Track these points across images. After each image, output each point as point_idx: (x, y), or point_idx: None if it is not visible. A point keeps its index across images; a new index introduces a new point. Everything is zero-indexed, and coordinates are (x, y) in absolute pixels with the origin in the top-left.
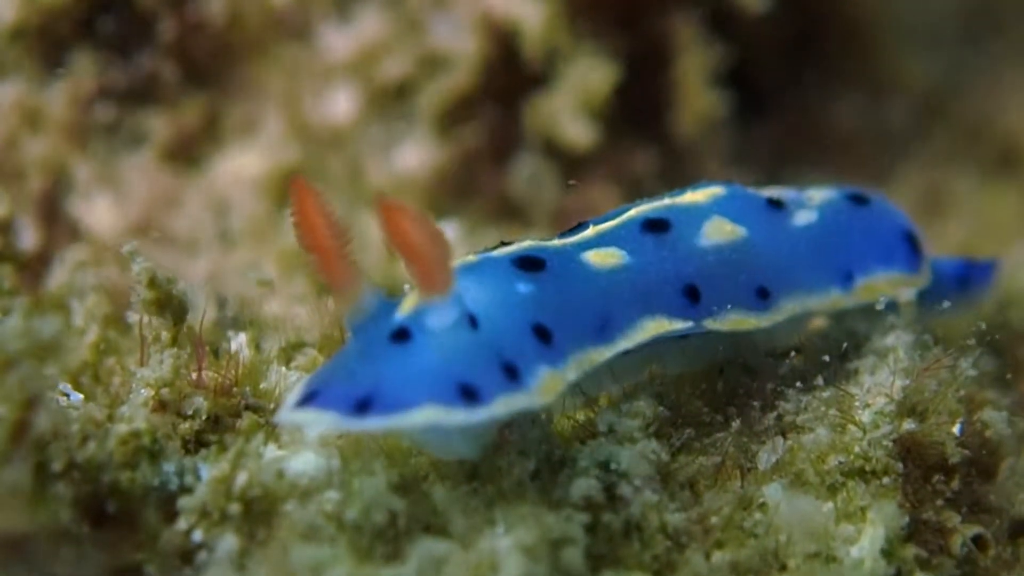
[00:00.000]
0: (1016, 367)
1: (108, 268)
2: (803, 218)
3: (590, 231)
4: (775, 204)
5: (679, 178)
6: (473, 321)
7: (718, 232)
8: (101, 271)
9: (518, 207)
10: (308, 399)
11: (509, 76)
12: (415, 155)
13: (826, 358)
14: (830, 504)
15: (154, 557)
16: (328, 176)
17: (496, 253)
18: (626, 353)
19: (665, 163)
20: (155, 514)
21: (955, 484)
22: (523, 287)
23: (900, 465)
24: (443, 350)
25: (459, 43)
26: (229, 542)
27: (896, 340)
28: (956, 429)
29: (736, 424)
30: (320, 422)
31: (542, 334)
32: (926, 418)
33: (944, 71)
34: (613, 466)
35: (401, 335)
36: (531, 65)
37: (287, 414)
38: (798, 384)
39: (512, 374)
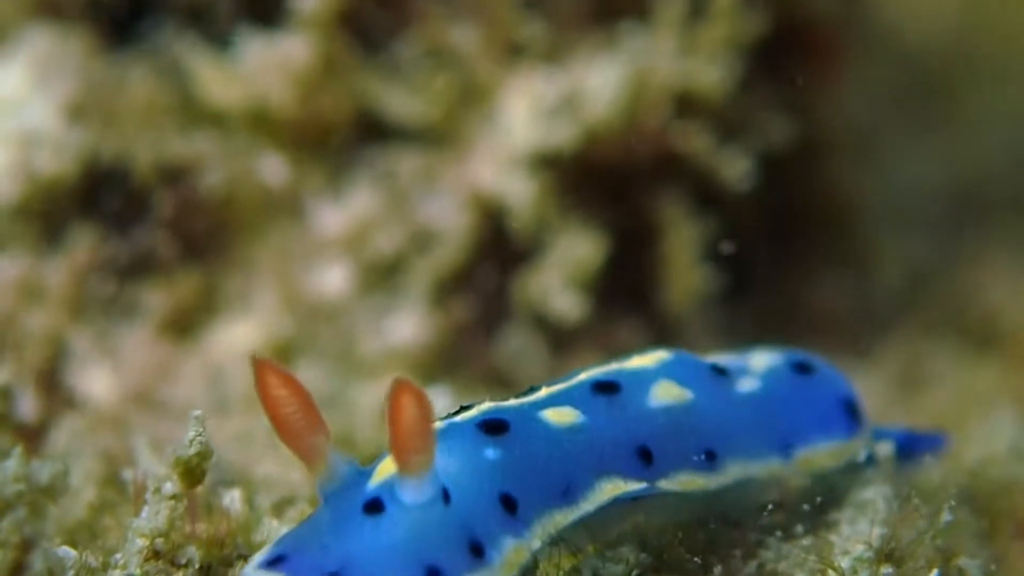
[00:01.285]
0: (993, 521)
1: (105, 435)
2: (746, 386)
3: (543, 392)
4: (718, 371)
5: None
6: (446, 495)
7: (666, 394)
8: (98, 437)
9: (507, 375)
10: (276, 562)
11: (499, 249)
12: (407, 327)
13: (805, 507)
14: None
15: None
16: (321, 348)
17: (460, 419)
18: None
19: (652, 335)
20: None
21: None
22: (491, 453)
23: None
24: (415, 527)
25: (449, 219)
26: None
27: (875, 493)
28: None
29: (718, 571)
30: None
31: (508, 504)
32: (904, 564)
33: (927, 252)
34: None
35: (373, 507)
36: (520, 239)
37: (254, 573)
38: (779, 534)
39: (478, 552)
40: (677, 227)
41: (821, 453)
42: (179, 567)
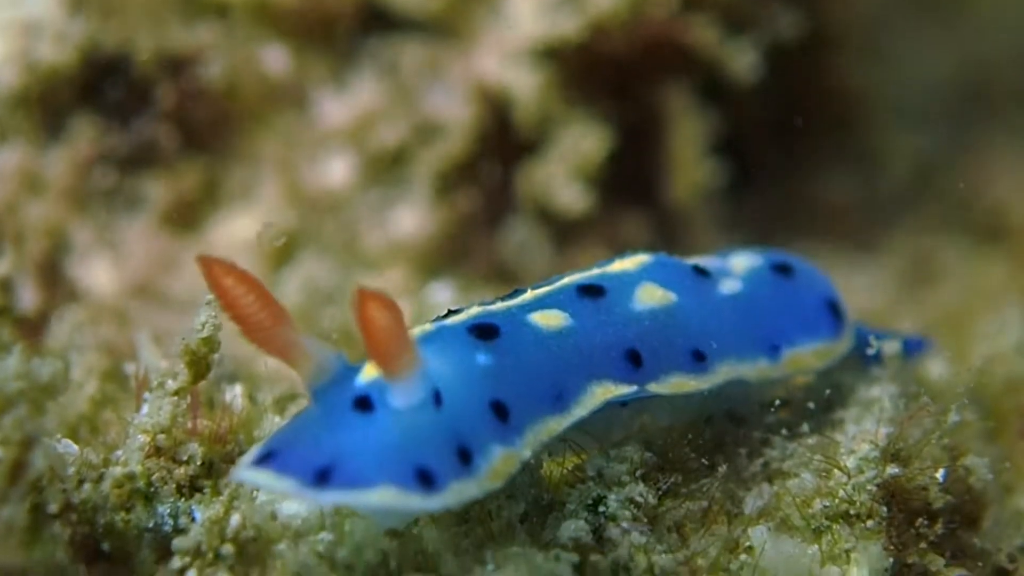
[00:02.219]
0: (1000, 420)
1: (106, 327)
2: (728, 287)
3: (528, 295)
4: (701, 272)
5: (672, 244)
6: (438, 397)
7: (650, 297)
8: (99, 330)
9: (510, 270)
10: (267, 458)
11: (502, 142)
12: (410, 220)
13: (811, 405)
14: (815, 547)
15: None
16: (324, 240)
17: (451, 322)
18: (628, 404)
19: (657, 229)
20: (150, 555)
21: (939, 528)
22: (482, 358)
23: (884, 509)
24: (406, 430)
25: (453, 111)
26: None
27: (881, 391)
28: (940, 475)
29: (723, 470)
30: (278, 486)
31: (500, 411)
32: (910, 464)
33: (934, 145)
34: (601, 509)
35: (363, 404)
36: (525, 132)
37: (245, 471)
38: (784, 432)
39: (465, 459)
40: (682, 120)
41: (807, 354)
42: (181, 463)
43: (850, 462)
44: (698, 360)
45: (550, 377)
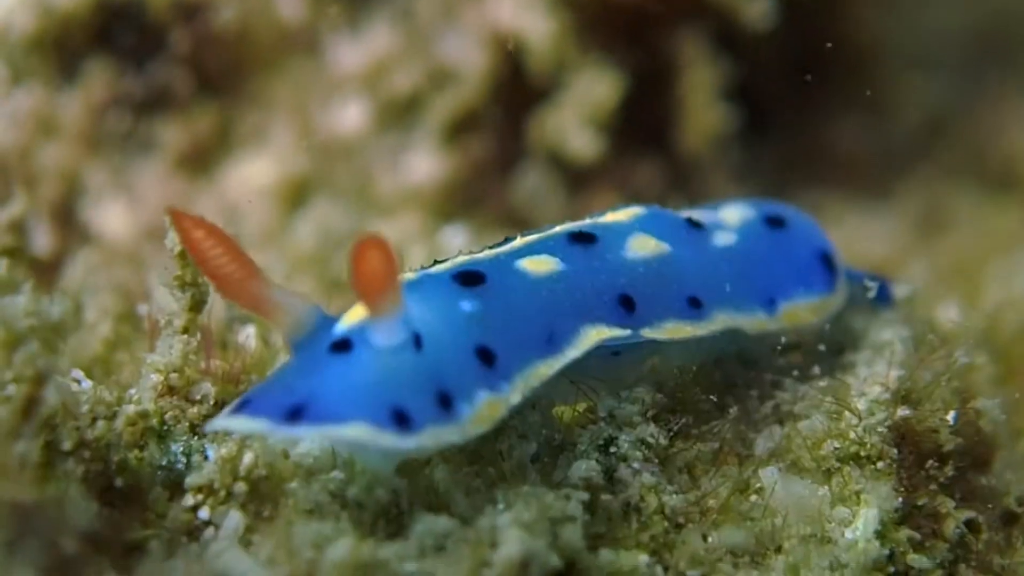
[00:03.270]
0: (1010, 365)
1: (120, 270)
2: (722, 240)
3: (518, 242)
4: (695, 225)
5: (685, 191)
6: (418, 341)
7: (643, 247)
8: (113, 272)
9: (523, 216)
10: (241, 406)
11: (516, 88)
12: (423, 165)
13: (822, 347)
14: (825, 488)
15: (161, 533)
16: (337, 186)
17: (435, 270)
18: (621, 353)
19: (670, 177)
20: (162, 492)
21: (949, 471)
22: (466, 304)
23: (895, 451)
24: (384, 369)
25: (467, 56)
26: (235, 519)
27: (893, 335)
28: (950, 418)
29: (734, 412)
30: (250, 427)
31: (485, 357)
32: (920, 406)
33: (946, 94)
34: (612, 449)
35: (342, 346)
36: (538, 78)
37: (219, 420)
38: (795, 374)
39: (445, 404)
40: (695, 67)
41: (803, 308)
42: (194, 402)
43: (861, 404)
44: (694, 306)
45: (540, 321)
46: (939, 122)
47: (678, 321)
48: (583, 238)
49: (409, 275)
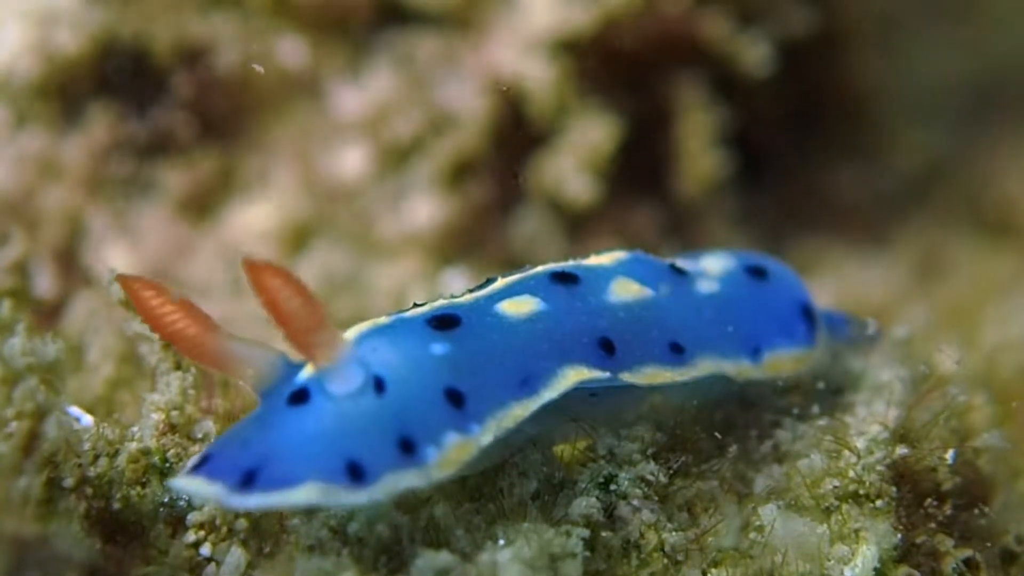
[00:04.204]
0: (1008, 406)
1: (122, 313)
2: (705, 287)
3: (499, 283)
4: (677, 271)
5: (682, 236)
6: (380, 385)
7: (625, 291)
8: (114, 314)
9: (523, 259)
10: (202, 463)
11: (515, 134)
12: (423, 209)
13: (821, 386)
14: (824, 526)
15: (163, 570)
16: (339, 229)
17: (410, 314)
18: (622, 389)
19: (667, 222)
20: (164, 529)
21: (948, 509)
22: (438, 348)
23: (893, 489)
24: (340, 418)
25: (467, 102)
26: (236, 555)
27: (892, 375)
28: (949, 456)
29: (733, 451)
30: (206, 493)
31: (454, 398)
32: (919, 445)
33: (943, 141)
34: (612, 487)
35: (299, 397)
36: (537, 123)
37: (179, 479)
38: (795, 413)
39: (408, 448)
40: (693, 113)
41: (786, 358)
42: (195, 440)
43: (860, 443)
44: (676, 352)
45: (515, 362)
46: (936, 169)
47: (659, 366)
48: (566, 278)
49: (381, 319)
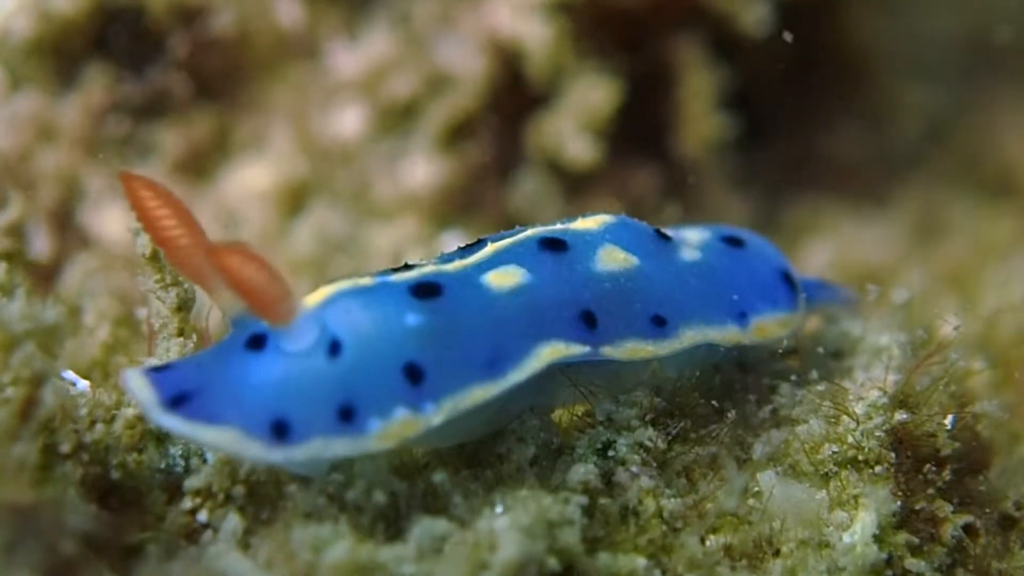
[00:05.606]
0: (1008, 370)
1: (118, 274)
2: (688, 255)
3: (488, 248)
4: (663, 237)
5: (682, 198)
6: (336, 347)
7: (611, 259)
8: (111, 277)
9: (521, 221)
10: (157, 369)
11: (513, 94)
12: (421, 171)
13: (820, 350)
14: (823, 492)
15: (160, 536)
16: (336, 190)
17: (395, 278)
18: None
19: (668, 183)
20: (161, 495)
21: (946, 475)
22: (412, 318)
23: (892, 455)
24: (284, 374)
25: (465, 62)
26: (233, 522)
27: (890, 339)
28: (948, 422)
29: (732, 416)
30: (139, 396)
31: (412, 374)
32: (918, 410)
33: (943, 101)
34: (610, 453)
35: (256, 342)
36: (535, 84)
37: (132, 372)
38: (793, 379)
39: (347, 416)
40: (692, 73)
41: (772, 323)
42: None
43: (859, 408)
44: (658, 325)
45: (487, 341)
46: (936, 129)
47: (640, 340)
48: (554, 244)
49: (365, 280)
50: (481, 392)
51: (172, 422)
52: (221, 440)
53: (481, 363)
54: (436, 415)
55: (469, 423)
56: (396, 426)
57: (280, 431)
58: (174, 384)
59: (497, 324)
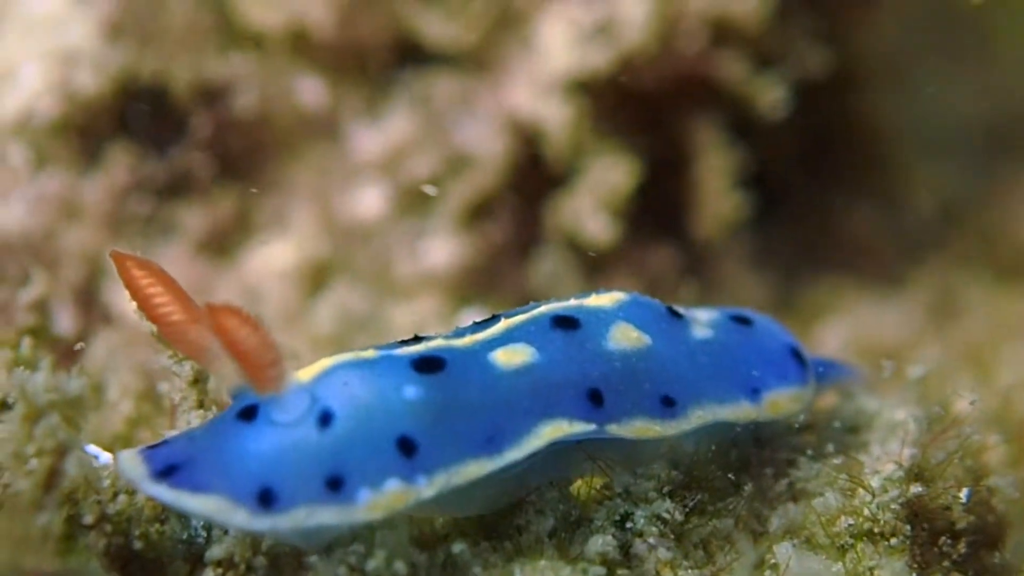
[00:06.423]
0: (1022, 445)
1: (141, 350)
2: (700, 332)
3: (500, 324)
4: (675, 314)
5: (699, 277)
6: (327, 419)
7: (625, 338)
8: (134, 353)
9: (540, 299)
10: (153, 446)
11: (532, 173)
12: (441, 250)
13: (836, 424)
14: (839, 564)
15: None
16: (356, 269)
17: (399, 352)
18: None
19: (685, 261)
20: (183, 565)
21: (962, 548)
22: (411, 391)
23: (908, 528)
24: (274, 444)
25: (484, 143)
26: None
27: (906, 414)
28: (964, 495)
29: (748, 489)
30: (127, 471)
31: (405, 447)
32: (933, 484)
33: (958, 181)
34: (628, 524)
35: (247, 414)
36: (554, 164)
37: (125, 453)
38: (809, 452)
39: (335, 486)
40: (710, 153)
41: (784, 398)
42: None
43: (874, 481)
44: (667, 405)
45: (487, 417)
46: (951, 210)
47: (648, 420)
48: (566, 322)
49: (368, 352)
50: (476, 468)
51: (158, 491)
52: (206, 508)
53: (478, 439)
54: (428, 488)
55: (478, 495)
56: (387, 497)
57: (265, 499)
58: (165, 458)
59: (499, 402)
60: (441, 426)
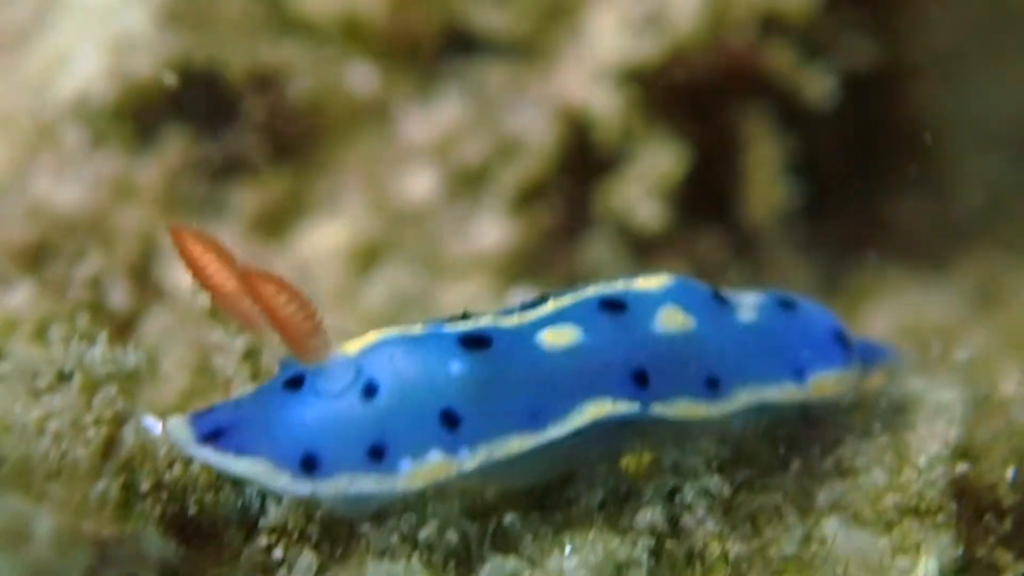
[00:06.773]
0: None
1: (195, 325)
2: (745, 316)
3: (549, 305)
4: (720, 298)
5: (748, 262)
6: (372, 390)
7: (671, 321)
8: (188, 328)
9: (588, 281)
10: (201, 412)
11: (582, 159)
12: (491, 232)
13: (883, 405)
14: (886, 539)
15: (236, 571)
16: (407, 249)
17: (447, 328)
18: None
19: (734, 247)
20: (237, 533)
21: (1008, 525)
22: (456, 367)
23: (954, 505)
24: (317, 414)
25: (535, 129)
26: (308, 559)
27: (953, 395)
28: (1009, 474)
29: (796, 465)
30: (173, 434)
31: (449, 420)
32: (980, 462)
33: (1006, 173)
34: (677, 498)
35: (294, 383)
36: (604, 150)
37: (172, 418)
38: (857, 431)
39: (377, 455)
40: (758, 142)
41: (829, 380)
42: None
43: (921, 460)
44: (712, 386)
45: (531, 396)
46: (998, 201)
47: (693, 400)
48: (613, 305)
49: (416, 328)
50: (519, 442)
51: (204, 453)
52: (250, 470)
53: (522, 415)
54: (470, 460)
55: (523, 469)
56: (428, 468)
57: (309, 465)
58: (211, 422)
59: (544, 380)
60: (485, 401)
